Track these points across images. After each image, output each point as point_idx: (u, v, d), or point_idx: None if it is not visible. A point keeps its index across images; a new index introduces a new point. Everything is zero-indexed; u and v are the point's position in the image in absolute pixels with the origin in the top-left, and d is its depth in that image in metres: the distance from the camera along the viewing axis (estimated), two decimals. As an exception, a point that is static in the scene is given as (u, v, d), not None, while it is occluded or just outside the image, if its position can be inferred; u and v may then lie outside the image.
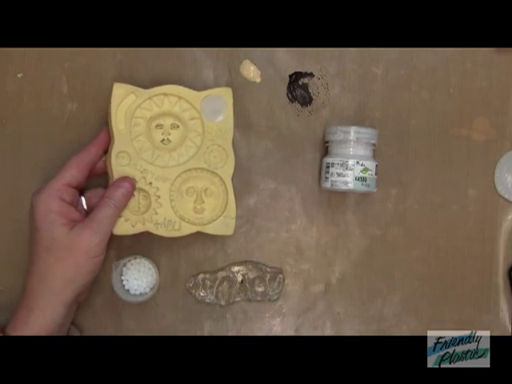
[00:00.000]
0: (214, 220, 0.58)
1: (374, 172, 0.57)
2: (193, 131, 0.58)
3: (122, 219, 0.57)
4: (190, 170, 0.58)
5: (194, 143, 0.58)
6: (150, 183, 0.57)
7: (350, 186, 0.56)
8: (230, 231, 0.58)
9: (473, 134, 0.61)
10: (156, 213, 0.57)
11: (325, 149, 0.60)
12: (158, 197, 0.58)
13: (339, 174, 0.56)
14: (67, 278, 0.53)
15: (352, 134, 0.57)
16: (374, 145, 0.58)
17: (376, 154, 0.59)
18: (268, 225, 0.61)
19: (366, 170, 0.56)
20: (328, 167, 0.57)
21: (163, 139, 0.58)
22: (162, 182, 0.58)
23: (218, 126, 0.58)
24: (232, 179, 0.58)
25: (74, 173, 0.55)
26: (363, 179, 0.56)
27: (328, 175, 0.57)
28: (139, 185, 0.57)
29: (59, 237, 0.53)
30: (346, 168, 0.56)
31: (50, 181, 0.54)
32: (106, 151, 0.57)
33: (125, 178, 0.56)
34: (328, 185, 0.57)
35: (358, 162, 0.56)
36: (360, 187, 0.56)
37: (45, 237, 0.53)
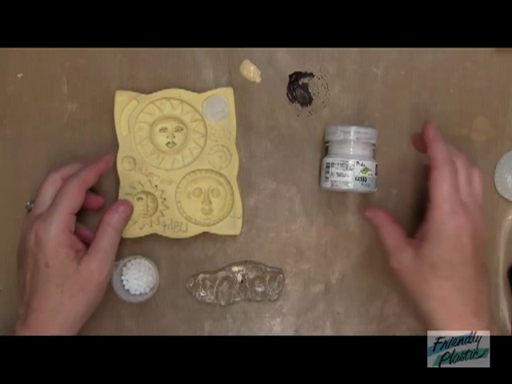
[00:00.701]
0: (221, 220, 0.58)
1: (374, 172, 0.57)
2: (196, 133, 0.59)
3: (130, 222, 0.58)
4: (194, 171, 0.59)
5: (197, 145, 0.59)
6: (156, 186, 0.58)
7: (350, 185, 0.56)
8: (237, 231, 0.59)
9: (473, 134, 0.61)
10: (163, 215, 0.58)
11: (325, 149, 0.60)
12: (164, 199, 0.58)
13: (339, 174, 0.56)
14: (80, 314, 0.53)
15: (352, 133, 0.56)
16: (373, 145, 0.58)
17: (376, 154, 0.59)
18: (268, 225, 0.61)
19: (366, 169, 0.56)
20: (328, 167, 0.57)
21: (168, 142, 0.59)
22: (167, 185, 0.58)
23: (220, 127, 0.58)
24: (237, 178, 0.59)
25: (75, 200, 0.53)
26: (363, 179, 0.56)
27: (328, 175, 0.57)
28: (145, 188, 0.58)
29: (71, 273, 0.52)
30: (346, 168, 0.56)
31: (54, 209, 0.52)
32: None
33: (121, 202, 0.56)
34: (328, 185, 0.57)
35: (358, 162, 0.56)
36: (360, 187, 0.56)
37: (58, 274, 0.51)
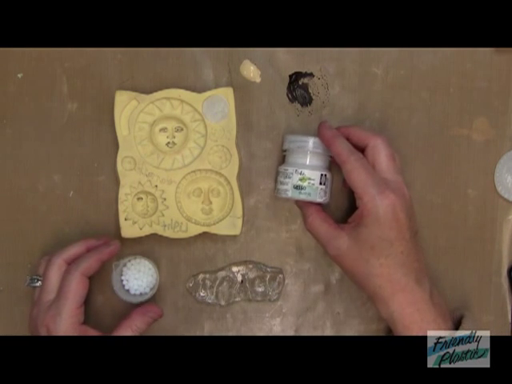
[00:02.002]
0: (221, 220, 0.58)
1: (317, 181, 0.55)
2: (196, 133, 0.59)
3: (130, 222, 0.58)
4: (194, 171, 0.59)
5: (197, 145, 0.59)
6: (156, 186, 0.58)
7: (289, 193, 0.56)
8: (237, 231, 0.59)
9: (473, 134, 0.61)
10: (163, 215, 0.58)
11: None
12: (164, 199, 0.58)
13: (281, 182, 0.56)
14: None
15: (293, 143, 0.56)
16: (323, 154, 0.56)
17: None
18: (268, 225, 0.61)
19: (304, 178, 0.55)
20: (277, 175, 0.58)
21: (168, 142, 0.59)
22: (167, 185, 0.58)
23: (220, 127, 0.58)
24: (237, 178, 0.59)
25: (80, 293, 0.54)
26: (301, 188, 0.55)
27: (276, 183, 0.58)
28: (145, 188, 0.58)
29: None
30: (286, 176, 0.56)
31: (62, 305, 0.53)
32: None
33: (153, 308, 0.57)
34: (275, 192, 0.58)
35: (296, 171, 0.55)
36: (298, 196, 0.55)
37: None
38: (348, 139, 0.55)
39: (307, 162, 0.56)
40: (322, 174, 0.55)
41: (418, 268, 0.53)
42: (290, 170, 0.56)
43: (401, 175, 0.54)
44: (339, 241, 0.54)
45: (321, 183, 0.55)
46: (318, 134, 0.55)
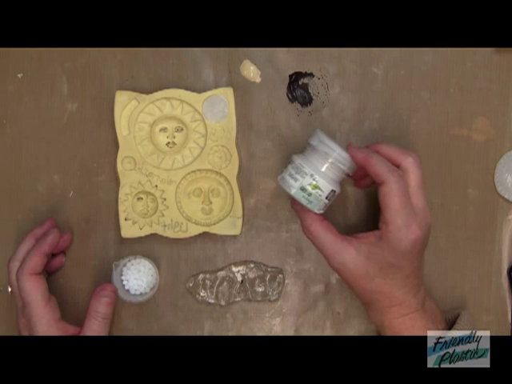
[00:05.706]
0: (221, 220, 0.59)
1: (324, 194, 0.52)
2: (196, 133, 0.59)
3: (130, 222, 0.58)
4: (194, 171, 0.59)
5: (197, 145, 0.59)
6: (156, 186, 0.58)
7: (292, 191, 0.52)
8: (237, 231, 0.59)
9: (473, 134, 0.61)
10: (163, 215, 0.58)
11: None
12: (164, 199, 0.58)
13: (290, 175, 0.53)
14: None
15: (321, 145, 0.52)
16: (343, 172, 0.53)
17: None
18: (268, 225, 0.61)
19: (315, 186, 0.52)
20: (289, 163, 0.54)
21: (168, 142, 0.59)
22: (167, 185, 0.58)
23: (221, 127, 0.58)
24: (237, 178, 0.58)
25: (40, 290, 0.53)
26: (308, 193, 0.52)
27: (285, 170, 0.54)
28: (145, 188, 0.58)
29: None
30: (298, 172, 0.53)
31: (27, 308, 0.53)
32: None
33: (105, 287, 0.55)
34: (279, 177, 0.54)
35: (311, 175, 0.52)
36: (300, 198, 0.53)
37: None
38: None
39: (324, 170, 0.53)
40: (332, 190, 0.53)
41: (418, 283, 0.53)
42: (306, 170, 0.52)
43: (426, 200, 0.52)
44: (345, 256, 0.52)
45: (327, 198, 0.53)
46: (351, 157, 0.52)
